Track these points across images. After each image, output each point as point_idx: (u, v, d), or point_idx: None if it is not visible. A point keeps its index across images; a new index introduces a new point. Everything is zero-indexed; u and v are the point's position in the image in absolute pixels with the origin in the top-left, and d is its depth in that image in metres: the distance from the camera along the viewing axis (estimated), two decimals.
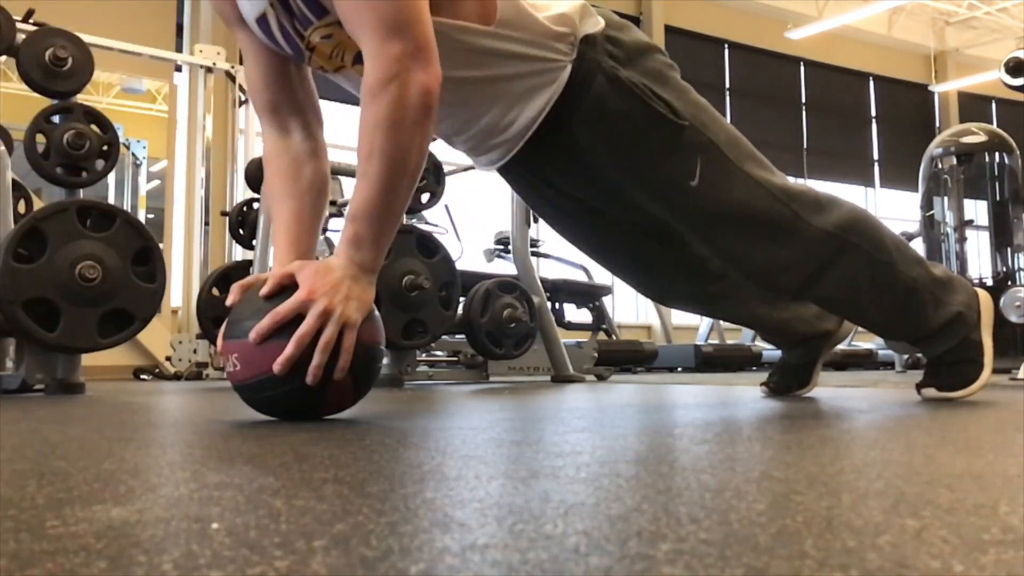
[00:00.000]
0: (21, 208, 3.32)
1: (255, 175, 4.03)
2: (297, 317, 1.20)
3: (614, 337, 6.45)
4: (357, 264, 1.24)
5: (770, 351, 6.75)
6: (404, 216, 3.56)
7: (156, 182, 7.15)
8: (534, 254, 4.78)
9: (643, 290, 1.96)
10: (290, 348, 1.18)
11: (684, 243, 1.73)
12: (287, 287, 1.23)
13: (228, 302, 1.32)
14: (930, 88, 13.87)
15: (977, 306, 1.74)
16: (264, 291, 1.24)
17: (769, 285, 1.70)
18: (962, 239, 5.11)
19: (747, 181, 1.53)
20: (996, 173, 5.06)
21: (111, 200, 6.28)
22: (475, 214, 6.71)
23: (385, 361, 2.60)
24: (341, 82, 1.47)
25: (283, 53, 1.40)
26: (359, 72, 1.35)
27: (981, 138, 5.08)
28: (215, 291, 3.79)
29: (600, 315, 6.29)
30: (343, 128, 5.49)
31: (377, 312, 1.31)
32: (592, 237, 1.83)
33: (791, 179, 1.66)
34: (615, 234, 1.77)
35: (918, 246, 5.25)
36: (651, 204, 1.58)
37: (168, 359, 5.00)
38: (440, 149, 3.45)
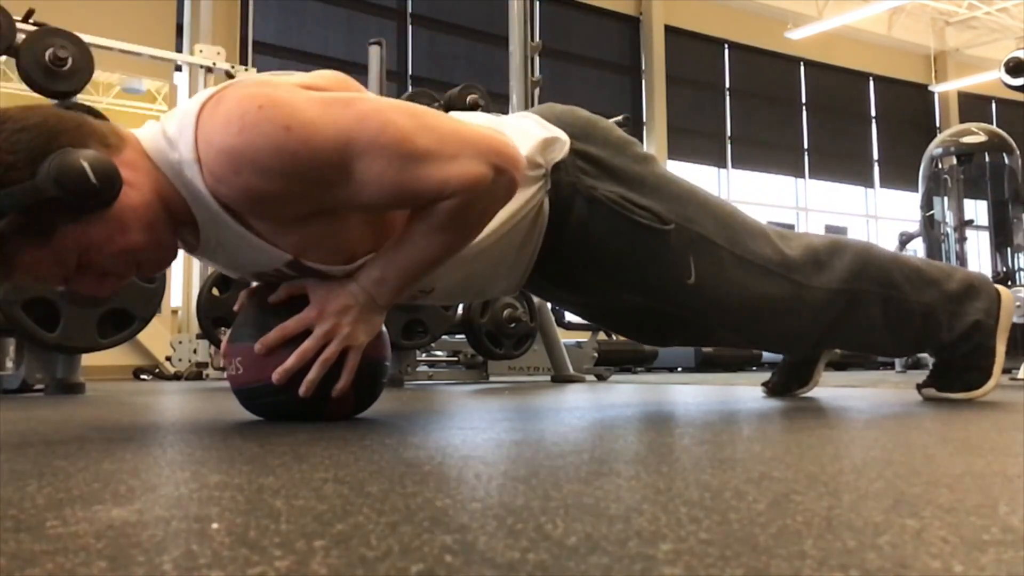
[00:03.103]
0: None
1: None
2: (306, 330, 1.20)
3: (614, 337, 6.45)
4: (373, 298, 1.22)
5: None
6: None
7: None
8: None
9: (642, 343, 1.96)
10: (291, 360, 1.18)
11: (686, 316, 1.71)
12: (297, 298, 1.23)
13: (236, 307, 1.32)
14: (930, 88, 13.86)
15: (997, 311, 1.69)
16: (274, 298, 1.24)
17: (788, 351, 1.69)
18: (962, 239, 5.12)
19: (742, 264, 1.48)
20: (996, 173, 5.06)
21: None
22: None
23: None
24: None
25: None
26: None
27: (981, 138, 5.08)
28: (215, 291, 3.78)
29: None
30: None
31: (384, 329, 1.31)
32: (590, 316, 1.86)
33: (788, 233, 1.62)
34: (615, 316, 1.77)
35: (918, 246, 5.26)
36: (654, 304, 1.55)
37: (168, 359, 4.99)
38: None
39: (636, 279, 1.46)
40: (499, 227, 1.29)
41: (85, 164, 1.01)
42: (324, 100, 1.12)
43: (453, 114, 1.38)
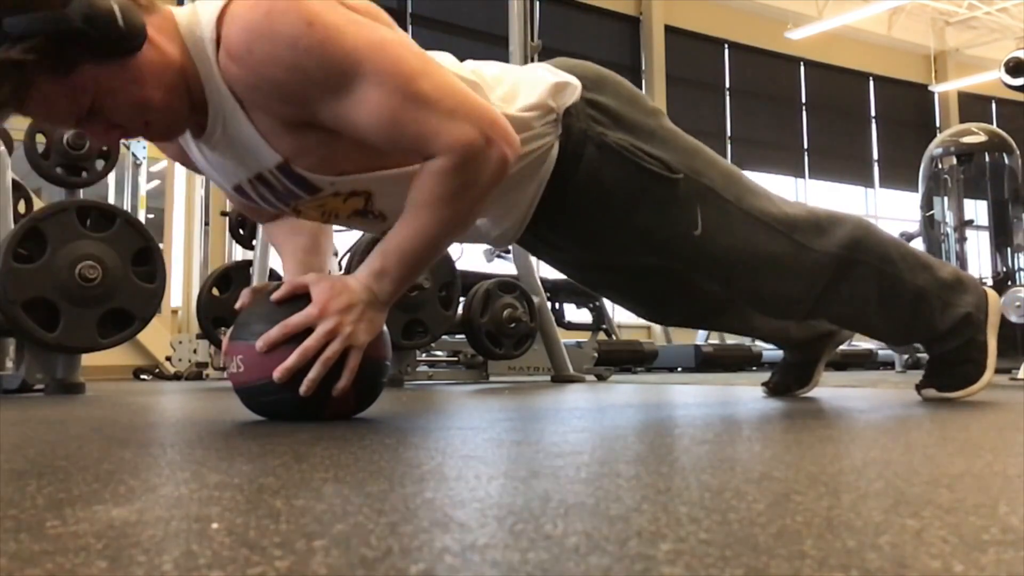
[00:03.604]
0: (21, 208, 3.32)
1: None
2: (307, 328, 1.20)
3: (614, 337, 6.45)
4: (375, 293, 1.23)
5: (770, 351, 6.75)
6: None
7: (156, 182, 7.13)
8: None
9: (642, 316, 1.96)
10: (292, 359, 1.19)
11: (687, 278, 1.72)
12: (299, 296, 1.23)
13: (238, 305, 1.33)
14: (930, 88, 13.87)
15: (985, 306, 1.72)
16: (276, 296, 1.24)
17: (780, 314, 1.71)
18: (962, 239, 5.12)
19: (748, 219, 1.50)
20: (996, 173, 5.06)
21: (111, 200, 6.28)
22: None
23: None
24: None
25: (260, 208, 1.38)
26: (355, 220, 1.36)
27: (981, 138, 5.08)
28: (215, 291, 3.79)
29: (600, 315, 6.29)
30: None
31: (386, 329, 1.31)
32: (592, 279, 1.86)
33: (790, 199, 1.64)
34: (616, 277, 1.77)
35: (918, 246, 5.26)
36: (657, 258, 1.56)
37: (168, 359, 5.00)
38: None
39: (643, 228, 1.47)
40: None
41: (116, 6, 1.07)
42: (352, 18, 1.17)
43: (470, 62, 1.40)
